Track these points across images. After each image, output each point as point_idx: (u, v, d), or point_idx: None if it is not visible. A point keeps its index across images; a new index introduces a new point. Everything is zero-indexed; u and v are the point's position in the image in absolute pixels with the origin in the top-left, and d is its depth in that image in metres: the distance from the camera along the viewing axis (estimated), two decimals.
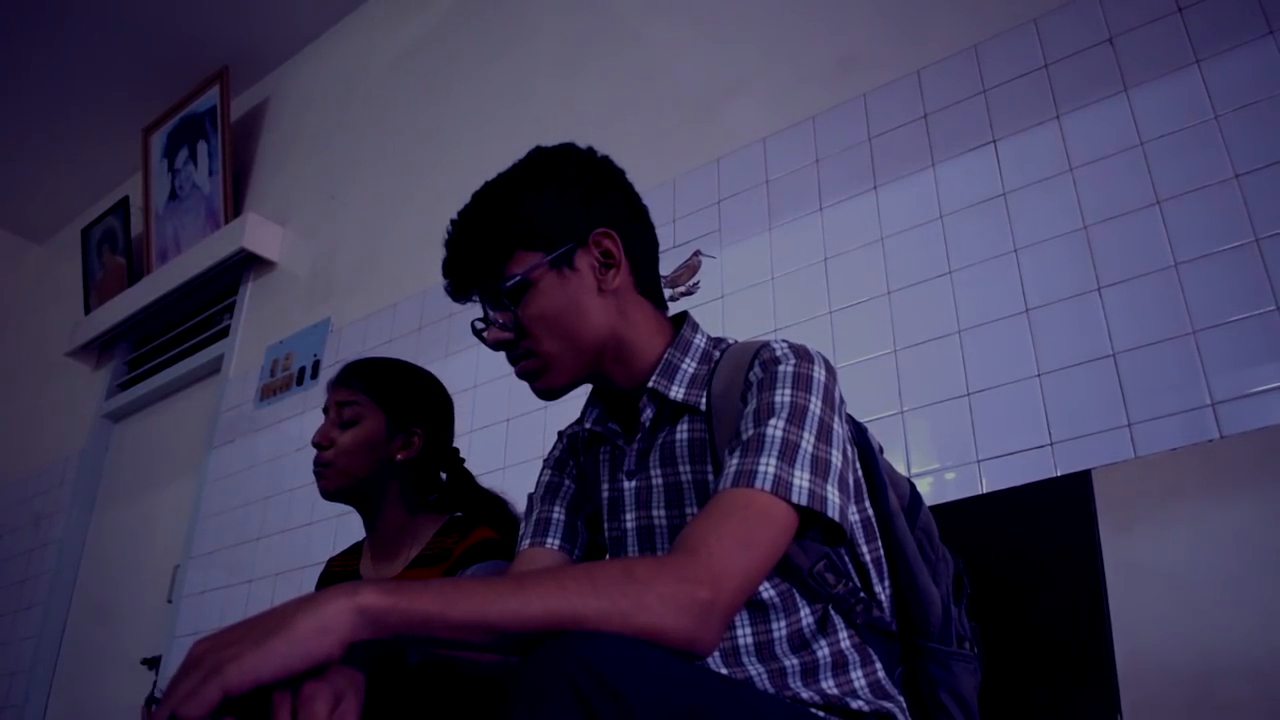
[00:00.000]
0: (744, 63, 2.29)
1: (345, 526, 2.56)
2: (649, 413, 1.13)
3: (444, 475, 1.72)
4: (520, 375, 1.15)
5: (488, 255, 1.12)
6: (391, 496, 1.61)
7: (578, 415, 1.26)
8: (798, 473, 0.93)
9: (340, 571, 1.70)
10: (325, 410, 1.65)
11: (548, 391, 1.15)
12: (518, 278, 1.10)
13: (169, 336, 3.89)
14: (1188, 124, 1.58)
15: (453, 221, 1.17)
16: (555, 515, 1.24)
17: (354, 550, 1.73)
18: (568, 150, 1.18)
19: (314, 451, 1.61)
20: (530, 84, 2.83)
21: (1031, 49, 1.81)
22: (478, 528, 1.56)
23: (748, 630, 1.05)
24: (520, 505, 1.36)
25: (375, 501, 1.62)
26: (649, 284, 1.18)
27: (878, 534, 1.11)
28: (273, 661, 0.72)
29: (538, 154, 1.18)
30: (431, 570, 1.52)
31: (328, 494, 1.61)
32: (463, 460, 1.74)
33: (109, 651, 3.45)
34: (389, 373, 1.67)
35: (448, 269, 1.16)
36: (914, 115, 1.93)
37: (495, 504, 1.69)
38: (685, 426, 1.11)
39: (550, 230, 1.11)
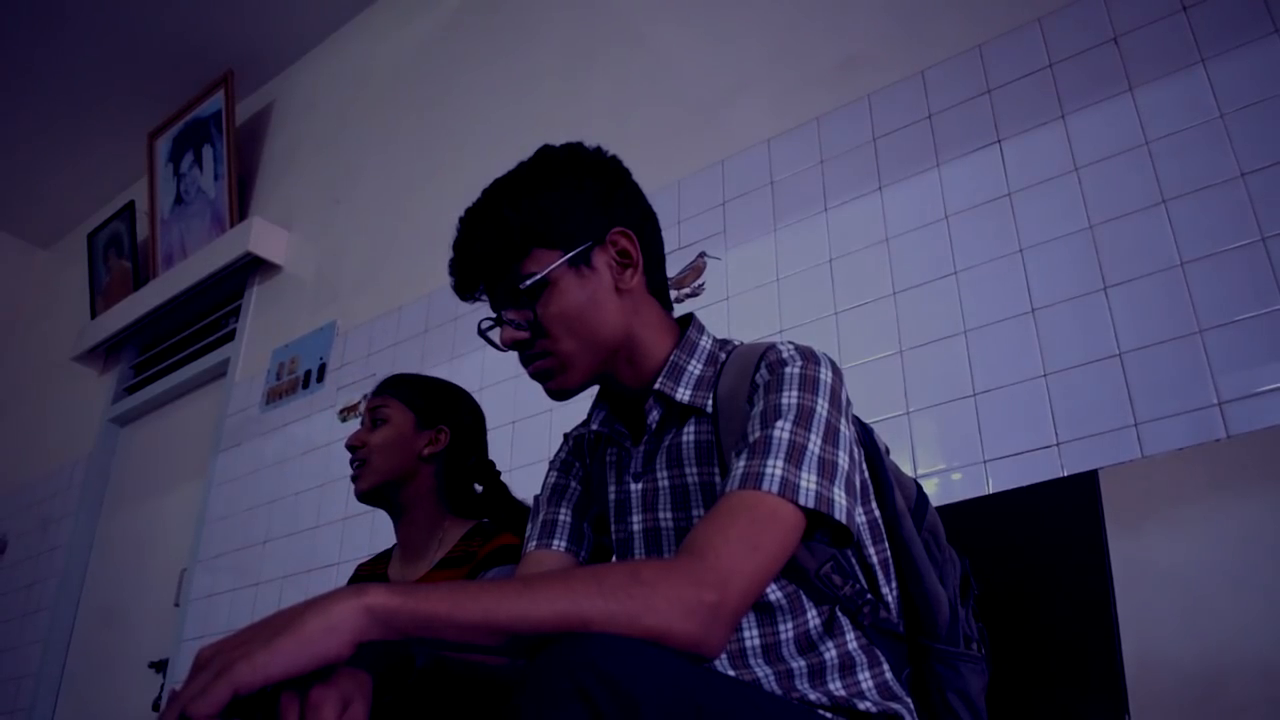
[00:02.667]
0: (748, 64, 2.29)
1: (351, 530, 2.57)
2: (655, 415, 1.13)
3: (479, 488, 1.76)
4: (534, 376, 1.14)
5: (503, 253, 1.10)
6: (421, 495, 1.66)
7: (584, 417, 1.26)
8: (804, 475, 0.93)
9: (368, 575, 1.74)
10: (349, 414, 1.71)
11: (561, 392, 1.14)
12: (537, 276, 1.08)
13: (175, 340, 3.90)
14: (1193, 123, 1.58)
15: (462, 219, 1.15)
16: (561, 517, 1.24)
17: (383, 556, 1.76)
18: (579, 149, 1.17)
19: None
20: (534, 87, 2.84)
21: (1036, 49, 1.81)
22: (501, 533, 1.59)
23: (755, 632, 1.05)
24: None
25: (405, 500, 1.66)
26: (658, 285, 1.18)
27: (884, 535, 1.11)
28: (282, 660, 0.72)
29: (549, 152, 1.17)
30: (456, 572, 1.54)
31: (362, 494, 1.66)
32: (499, 473, 1.77)
33: (116, 655, 3.45)
34: (417, 379, 1.76)
35: (457, 267, 1.15)
36: (918, 116, 1.93)
37: (526, 515, 1.71)
38: (691, 428, 1.11)
39: (569, 228, 1.10)
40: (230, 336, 3.59)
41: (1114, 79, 1.69)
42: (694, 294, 2.14)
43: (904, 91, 1.97)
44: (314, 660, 0.73)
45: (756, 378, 1.06)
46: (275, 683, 0.72)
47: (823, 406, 1.01)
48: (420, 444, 1.66)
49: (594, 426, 1.21)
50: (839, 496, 0.94)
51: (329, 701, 0.76)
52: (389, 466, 1.64)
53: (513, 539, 1.57)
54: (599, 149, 1.18)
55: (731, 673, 1.03)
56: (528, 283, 1.08)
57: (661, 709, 0.71)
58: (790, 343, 1.10)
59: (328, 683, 0.76)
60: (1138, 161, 1.62)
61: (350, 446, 1.67)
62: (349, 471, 1.69)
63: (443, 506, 1.68)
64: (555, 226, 1.10)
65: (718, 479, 1.07)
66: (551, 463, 1.31)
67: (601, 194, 1.13)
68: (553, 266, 1.09)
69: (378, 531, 2.46)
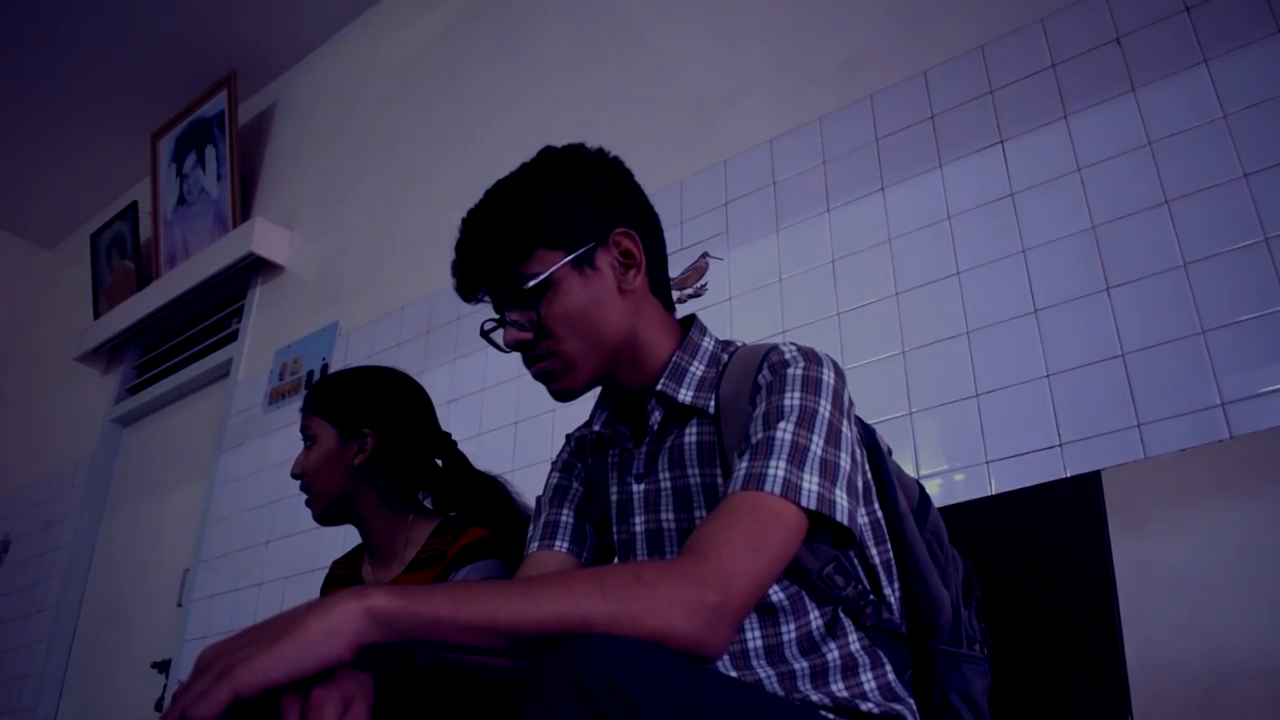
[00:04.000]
0: (751, 64, 2.29)
1: (353, 530, 2.56)
2: (657, 415, 1.13)
3: (440, 463, 1.70)
4: (537, 376, 1.14)
5: (506, 254, 1.10)
6: (371, 504, 1.62)
7: (586, 418, 1.26)
8: (807, 476, 0.93)
9: (343, 575, 1.72)
10: None
11: (565, 393, 1.14)
12: (540, 277, 1.08)
13: (178, 341, 3.90)
14: (1196, 123, 1.58)
15: (464, 220, 1.15)
16: (563, 518, 1.24)
17: (356, 553, 1.74)
18: (581, 150, 1.17)
19: None
20: (537, 87, 2.84)
21: (1039, 49, 1.80)
22: (470, 528, 1.56)
23: (757, 633, 1.05)
24: (529, 500, 1.36)
25: (358, 512, 1.63)
26: (660, 285, 1.18)
27: (887, 536, 1.11)
28: (283, 663, 0.72)
29: (551, 153, 1.17)
30: (428, 573, 1.52)
31: (318, 520, 1.64)
32: (455, 443, 1.71)
33: (119, 655, 3.46)
34: (330, 386, 1.68)
35: (460, 268, 1.15)
36: (921, 116, 1.93)
37: (493, 489, 1.67)
38: (693, 429, 1.11)
39: (572, 229, 1.10)
40: (233, 337, 3.59)
41: (1117, 79, 1.69)
42: (696, 294, 2.14)
43: (906, 92, 1.97)
44: (315, 663, 0.73)
45: (759, 379, 1.06)
46: (276, 686, 0.72)
47: (825, 408, 1.01)
48: (350, 456, 1.61)
49: (596, 427, 1.21)
50: (840, 498, 0.94)
51: (330, 702, 0.76)
52: (328, 489, 1.61)
53: (482, 532, 1.54)
54: (600, 150, 1.18)
55: (734, 674, 1.03)
56: (531, 283, 1.08)
57: (662, 710, 0.71)
58: (793, 344, 1.09)
59: (329, 684, 0.76)
60: (1141, 162, 1.61)
61: (294, 475, 1.64)
62: None
63: (400, 507, 1.64)
64: (558, 227, 1.10)
65: (720, 480, 1.07)
66: (554, 463, 1.31)
67: (604, 194, 1.13)
68: (556, 267, 1.08)
69: None
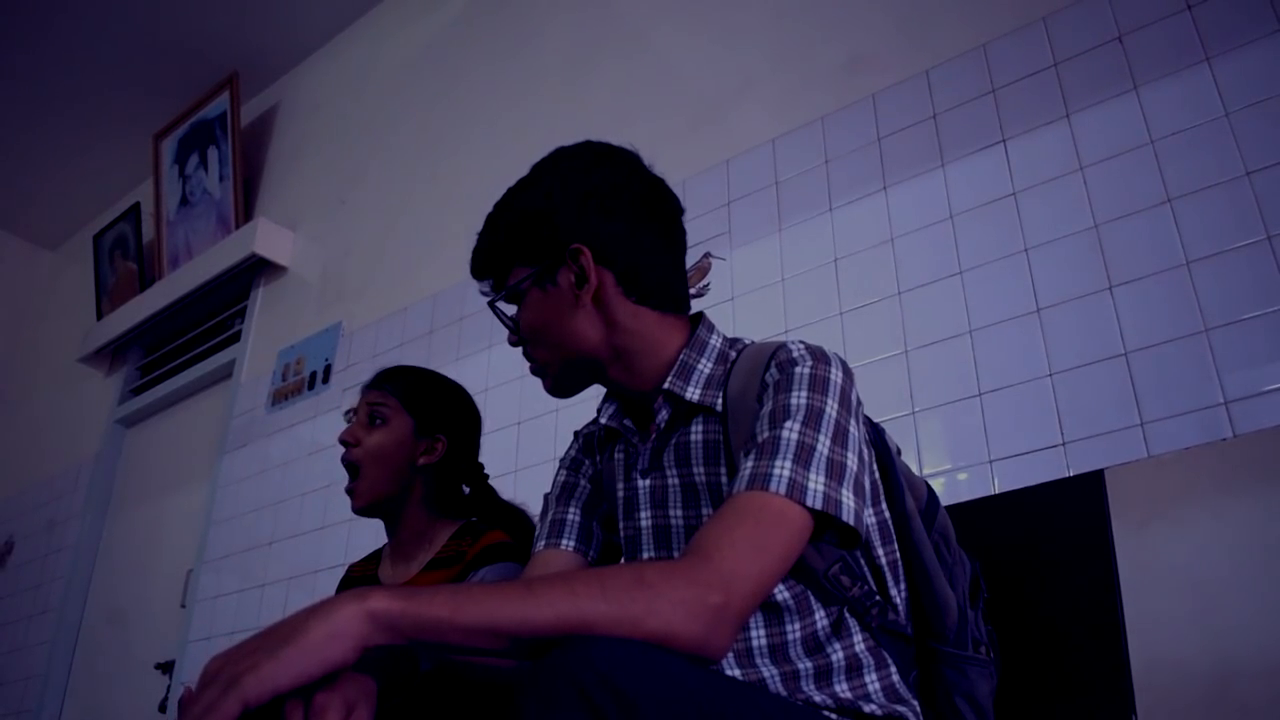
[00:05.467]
0: (752, 64, 2.29)
1: (358, 530, 2.57)
2: (664, 413, 1.13)
3: (466, 489, 1.73)
4: (531, 373, 1.20)
5: (493, 266, 1.17)
6: (413, 501, 1.64)
7: (589, 418, 1.27)
8: (812, 476, 0.93)
9: (360, 576, 1.73)
10: (354, 414, 1.69)
11: (554, 391, 1.19)
12: (505, 291, 1.15)
13: (181, 342, 3.90)
14: (1198, 121, 1.58)
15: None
16: (570, 516, 1.24)
17: (374, 556, 1.75)
18: (570, 156, 1.18)
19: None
20: (539, 87, 2.84)
21: (1040, 48, 1.80)
22: (490, 531, 1.57)
23: (761, 632, 1.05)
24: (536, 508, 1.37)
25: (398, 506, 1.64)
26: (651, 288, 1.15)
27: (894, 537, 1.10)
28: (289, 670, 0.72)
29: (545, 162, 1.19)
30: (446, 572, 1.53)
31: (360, 511, 1.63)
32: (487, 476, 1.75)
33: (123, 656, 3.46)
34: (420, 379, 1.71)
35: (472, 272, 1.21)
36: (923, 115, 1.92)
37: (515, 516, 1.71)
38: (700, 427, 1.11)
39: (535, 247, 1.13)
40: (236, 338, 3.60)
41: (1119, 78, 1.69)
42: (699, 294, 2.12)
43: (908, 91, 1.97)
44: (321, 667, 0.73)
45: (766, 377, 1.06)
46: (284, 693, 0.72)
47: (832, 407, 1.00)
48: (416, 452, 1.62)
49: (603, 420, 1.21)
50: (846, 498, 0.94)
51: (333, 707, 0.76)
52: (383, 477, 1.60)
53: (502, 536, 1.56)
54: (600, 148, 1.18)
55: (737, 672, 1.03)
56: (500, 295, 1.16)
57: (663, 711, 0.71)
58: (801, 342, 1.09)
59: (332, 688, 0.77)
60: (1143, 160, 1.61)
61: (344, 442, 1.61)
62: None
63: (432, 511, 1.65)
64: (525, 244, 1.14)
65: (724, 479, 1.07)
66: (562, 460, 1.31)
67: (572, 207, 1.13)
68: (519, 282, 1.14)
69: (383, 533, 2.45)
